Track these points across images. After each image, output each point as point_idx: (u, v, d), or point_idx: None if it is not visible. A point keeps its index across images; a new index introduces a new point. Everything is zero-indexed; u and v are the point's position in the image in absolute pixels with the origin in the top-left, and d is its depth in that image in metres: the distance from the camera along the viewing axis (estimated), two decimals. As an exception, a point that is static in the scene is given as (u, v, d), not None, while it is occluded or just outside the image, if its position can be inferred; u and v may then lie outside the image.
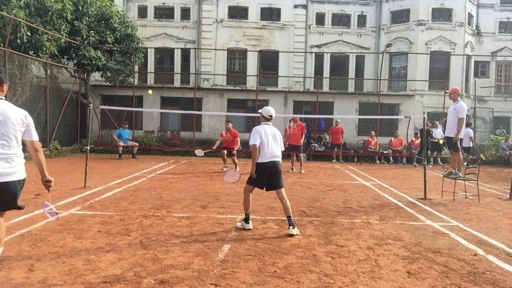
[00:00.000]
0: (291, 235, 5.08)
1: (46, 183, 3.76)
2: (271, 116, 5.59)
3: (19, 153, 3.55)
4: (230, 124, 11.89)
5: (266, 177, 5.36)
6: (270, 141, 5.37)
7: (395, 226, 5.77)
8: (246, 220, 5.41)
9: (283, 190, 5.39)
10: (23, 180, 3.62)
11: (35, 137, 3.62)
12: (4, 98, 3.56)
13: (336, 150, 16.94)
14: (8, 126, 3.43)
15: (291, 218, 5.23)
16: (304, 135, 12.52)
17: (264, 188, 5.47)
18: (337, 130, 16.82)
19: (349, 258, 4.32)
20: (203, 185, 9.07)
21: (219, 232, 5.20)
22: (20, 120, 3.51)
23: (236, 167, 11.71)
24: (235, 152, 11.83)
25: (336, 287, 3.55)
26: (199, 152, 11.90)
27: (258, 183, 5.41)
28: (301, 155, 12.76)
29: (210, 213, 6.26)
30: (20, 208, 3.71)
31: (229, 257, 4.21)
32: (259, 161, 5.32)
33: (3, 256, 4.02)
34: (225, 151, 11.87)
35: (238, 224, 5.48)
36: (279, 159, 5.46)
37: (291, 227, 5.18)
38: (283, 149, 5.61)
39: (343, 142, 17.49)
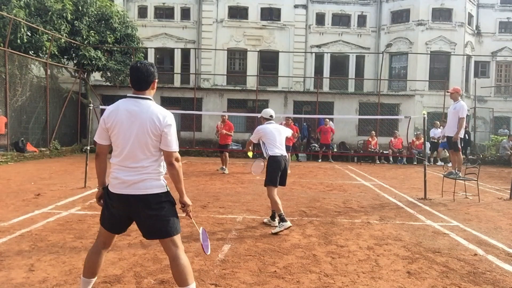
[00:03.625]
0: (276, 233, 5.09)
1: (182, 207, 2.94)
2: (271, 116, 5.92)
3: (153, 164, 2.75)
4: (226, 116, 12.20)
5: (280, 170, 5.57)
6: (276, 137, 5.70)
7: (395, 226, 5.77)
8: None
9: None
10: (161, 194, 2.76)
11: (172, 146, 2.75)
12: (150, 97, 2.82)
13: (325, 149, 16.85)
14: (137, 132, 2.70)
15: (282, 214, 5.26)
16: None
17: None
18: (327, 130, 16.76)
19: (349, 258, 4.31)
20: (203, 185, 9.07)
21: (219, 232, 5.20)
22: (152, 123, 2.70)
23: (224, 167, 11.62)
24: (226, 153, 11.85)
25: (336, 287, 3.55)
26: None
27: (274, 178, 5.53)
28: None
29: (210, 213, 6.25)
30: (166, 234, 2.77)
31: (229, 257, 4.20)
32: (271, 154, 5.59)
33: (3, 256, 4.02)
34: (227, 153, 11.94)
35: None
36: (286, 154, 5.78)
37: (282, 222, 5.19)
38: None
39: (332, 141, 17.35)
